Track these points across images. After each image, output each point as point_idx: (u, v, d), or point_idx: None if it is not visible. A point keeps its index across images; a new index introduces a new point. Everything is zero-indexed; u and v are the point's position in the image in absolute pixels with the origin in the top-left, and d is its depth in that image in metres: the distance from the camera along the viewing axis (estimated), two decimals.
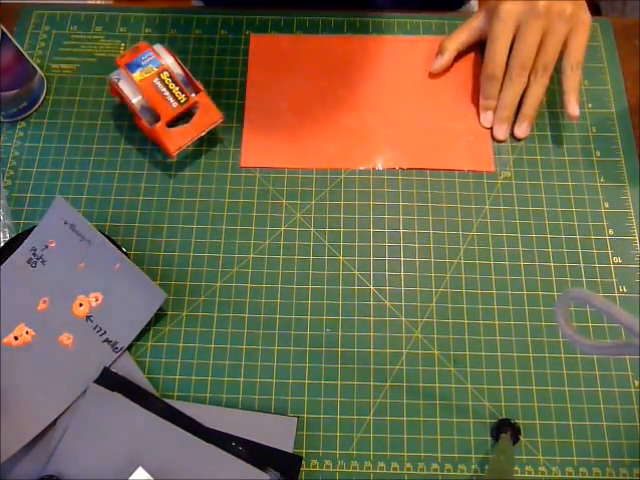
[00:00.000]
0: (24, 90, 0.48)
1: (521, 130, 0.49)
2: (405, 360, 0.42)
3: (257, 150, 0.49)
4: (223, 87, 0.51)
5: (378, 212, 0.47)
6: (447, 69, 0.51)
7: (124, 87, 0.45)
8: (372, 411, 0.41)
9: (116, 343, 0.42)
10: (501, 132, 0.49)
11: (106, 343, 0.42)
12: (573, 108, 0.47)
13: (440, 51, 0.51)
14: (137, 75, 0.45)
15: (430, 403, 0.41)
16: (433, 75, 0.52)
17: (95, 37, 0.54)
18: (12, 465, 0.38)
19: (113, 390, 0.40)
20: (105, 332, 0.42)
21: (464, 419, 0.41)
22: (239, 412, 0.41)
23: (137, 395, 0.40)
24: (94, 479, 0.38)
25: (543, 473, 0.40)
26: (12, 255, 0.43)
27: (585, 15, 0.47)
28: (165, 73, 0.45)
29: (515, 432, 0.40)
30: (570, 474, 0.40)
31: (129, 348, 0.42)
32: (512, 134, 0.50)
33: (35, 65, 0.50)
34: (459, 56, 0.52)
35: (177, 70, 0.46)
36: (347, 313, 0.44)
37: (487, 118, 0.50)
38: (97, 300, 0.43)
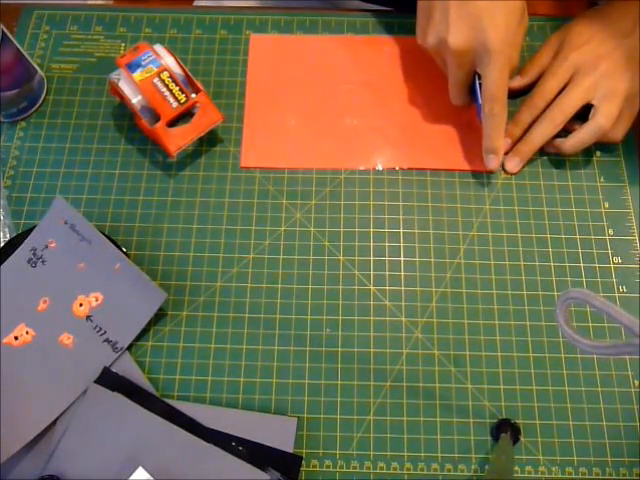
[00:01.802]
0: (24, 90, 0.48)
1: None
2: (405, 360, 0.42)
3: (257, 150, 0.49)
4: (223, 87, 0.51)
5: (378, 212, 0.47)
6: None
7: (124, 87, 0.45)
8: (372, 411, 0.41)
9: (116, 343, 0.42)
10: (512, 165, 0.48)
11: (106, 343, 0.42)
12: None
13: (521, 72, 0.49)
14: (137, 75, 0.45)
15: (430, 403, 0.41)
16: (433, 75, 0.51)
17: (95, 37, 0.54)
18: (12, 465, 0.39)
19: (113, 390, 0.40)
20: (105, 332, 0.42)
21: (464, 419, 0.41)
22: (239, 412, 0.41)
23: (137, 395, 0.40)
24: (94, 479, 0.38)
25: (543, 473, 0.40)
26: (12, 255, 0.43)
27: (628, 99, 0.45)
28: (165, 73, 0.45)
29: (515, 432, 0.40)
30: (570, 474, 0.40)
31: (129, 348, 0.42)
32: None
33: (35, 65, 0.50)
34: None
35: (177, 70, 0.46)
36: (347, 313, 0.44)
37: (506, 144, 0.48)
38: (97, 300, 0.43)
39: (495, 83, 0.43)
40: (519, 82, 0.49)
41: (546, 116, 0.46)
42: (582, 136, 0.46)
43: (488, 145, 0.46)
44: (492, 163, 0.47)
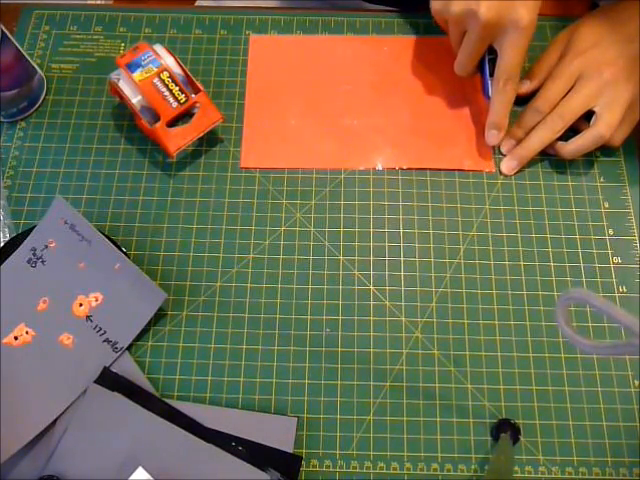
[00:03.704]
0: (24, 90, 0.48)
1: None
2: (405, 360, 0.42)
3: (257, 150, 0.49)
4: (223, 87, 0.51)
5: (378, 212, 0.47)
6: (447, 69, 0.51)
7: (124, 87, 0.45)
8: (372, 411, 0.41)
9: (116, 343, 0.42)
10: (509, 167, 0.48)
11: (106, 343, 0.42)
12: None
13: (529, 76, 0.49)
14: (137, 75, 0.45)
15: (430, 403, 0.41)
16: (433, 75, 0.52)
17: (95, 37, 0.54)
18: (12, 465, 0.38)
19: (113, 390, 0.40)
20: (105, 332, 0.42)
21: (464, 419, 0.41)
22: (239, 412, 0.41)
23: (137, 395, 0.40)
24: (94, 479, 0.38)
25: (543, 473, 0.40)
26: (12, 255, 0.43)
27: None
28: (165, 73, 0.45)
29: (515, 432, 0.40)
30: (570, 474, 0.40)
31: (129, 348, 0.42)
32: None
33: (35, 65, 0.50)
34: None
35: (177, 70, 0.46)
36: (347, 313, 0.44)
37: (509, 145, 0.48)
38: (97, 300, 0.43)
39: (515, 60, 0.44)
40: (528, 87, 0.49)
41: (546, 122, 0.46)
42: (581, 143, 0.46)
43: (494, 120, 0.47)
44: (493, 139, 0.47)
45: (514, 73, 0.44)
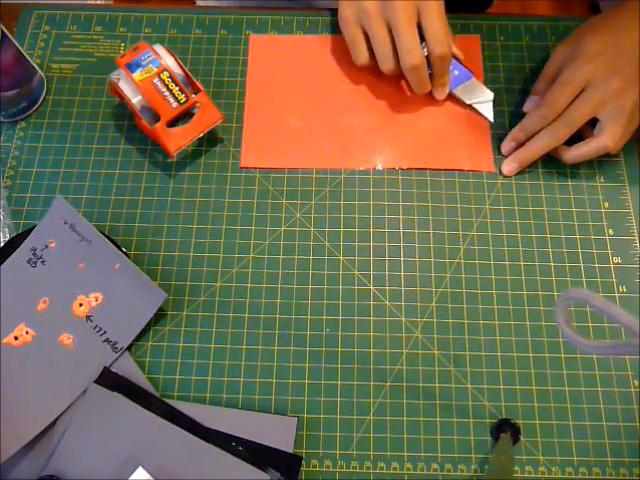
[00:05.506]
0: (24, 90, 0.48)
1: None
2: (405, 360, 0.42)
3: (257, 150, 0.49)
4: (223, 87, 0.51)
5: (378, 212, 0.47)
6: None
7: (124, 87, 0.45)
8: (372, 411, 0.41)
9: (116, 343, 0.42)
10: (510, 169, 0.48)
11: (106, 343, 0.42)
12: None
13: (536, 91, 0.49)
14: (137, 75, 0.45)
15: (430, 403, 0.41)
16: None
17: (95, 37, 0.54)
18: (12, 465, 0.38)
19: (113, 390, 0.40)
20: (105, 332, 0.42)
21: (464, 419, 0.41)
22: (239, 412, 0.41)
23: (137, 395, 0.40)
24: (94, 479, 0.38)
25: (543, 473, 0.40)
26: (12, 255, 0.43)
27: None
28: (165, 73, 0.45)
29: (515, 432, 0.40)
30: (570, 474, 0.40)
31: (129, 348, 0.42)
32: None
33: (35, 65, 0.50)
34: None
35: (177, 70, 0.46)
36: (347, 313, 0.44)
37: (508, 147, 0.48)
38: (97, 300, 0.43)
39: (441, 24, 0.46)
40: (537, 103, 0.48)
41: (551, 128, 0.46)
42: (584, 150, 0.46)
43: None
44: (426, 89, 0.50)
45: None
